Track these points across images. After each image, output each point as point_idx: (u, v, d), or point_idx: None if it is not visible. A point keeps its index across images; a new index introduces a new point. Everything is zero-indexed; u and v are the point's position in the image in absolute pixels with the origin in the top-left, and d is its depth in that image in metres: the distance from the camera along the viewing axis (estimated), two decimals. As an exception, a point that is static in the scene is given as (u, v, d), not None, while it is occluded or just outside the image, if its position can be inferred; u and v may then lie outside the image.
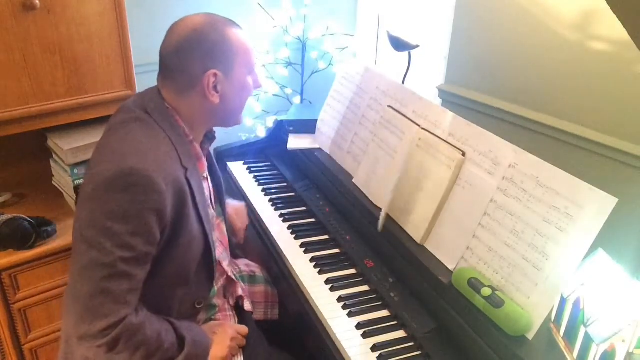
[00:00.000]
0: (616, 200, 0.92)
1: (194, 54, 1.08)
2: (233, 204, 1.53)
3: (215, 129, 1.27)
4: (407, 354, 1.11)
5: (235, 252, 1.50)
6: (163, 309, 1.12)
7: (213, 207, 1.26)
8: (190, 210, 1.08)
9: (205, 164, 1.21)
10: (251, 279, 1.45)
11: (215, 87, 1.10)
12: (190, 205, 1.07)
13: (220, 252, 1.29)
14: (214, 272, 1.20)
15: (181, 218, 1.06)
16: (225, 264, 1.32)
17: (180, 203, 1.05)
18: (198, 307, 1.19)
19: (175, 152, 1.07)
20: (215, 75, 1.09)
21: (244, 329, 1.27)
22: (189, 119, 1.13)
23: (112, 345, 1.00)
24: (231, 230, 1.45)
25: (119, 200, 0.96)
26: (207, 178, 1.23)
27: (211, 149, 1.34)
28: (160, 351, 1.06)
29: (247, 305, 1.36)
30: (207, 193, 1.20)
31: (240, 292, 1.35)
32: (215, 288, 1.27)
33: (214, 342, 1.18)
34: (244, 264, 1.48)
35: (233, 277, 1.36)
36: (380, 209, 1.39)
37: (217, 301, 1.30)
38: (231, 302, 1.34)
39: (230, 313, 1.33)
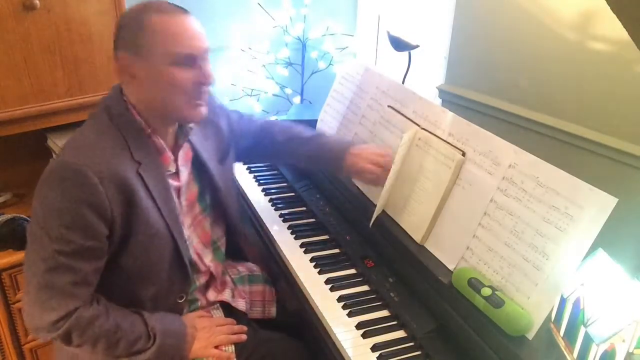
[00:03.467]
0: (616, 200, 0.92)
1: (115, 38, 1.08)
2: (349, 155, 1.39)
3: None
4: (407, 354, 1.11)
5: (238, 253, 1.48)
6: (135, 305, 1.13)
7: (190, 208, 1.23)
8: (145, 205, 1.06)
9: (171, 157, 1.15)
10: (250, 278, 1.44)
11: (125, 70, 1.07)
12: (142, 200, 1.06)
13: (200, 249, 1.27)
14: (187, 269, 1.18)
15: (133, 213, 1.05)
16: (207, 260, 1.29)
17: (127, 198, 1.04)
18: (180, 301, 1.19)
19: (124, 147, 1.06)
20: (123, 58, 1.06)
21: (228, 321, 1.26)
22: (140, 110, 1.09)
23: (65, 337, 1.03)
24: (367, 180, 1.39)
25: (53, 194, 0.99)
26: (177, 172, 1.18)
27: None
28: (124, 342, 1.07)
29: (242, 305, 1.34)
30: (175, 186, 1.16)
31: (226, 296, 1.32)
32: (197, 284, 1.26)
33: (196, 337, 1.18)
34: (243, 267, 1.47)
35: (227, 277, 1.35)
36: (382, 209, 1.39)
37: (198, 295, 1.28)
38: (210, 298, 1.30)
39: (216, 310, 1.31)
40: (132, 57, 1.05)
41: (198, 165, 1.25)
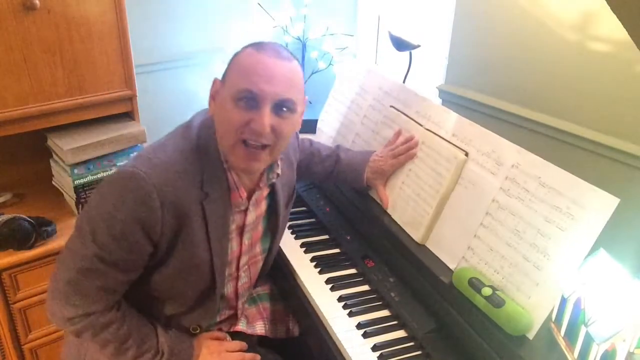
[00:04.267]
0: (618, 200, 0.92)
1: None
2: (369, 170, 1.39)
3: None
4: (407, 354, 1.11)
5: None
6: (148, 316, 1.12)
7: (247, 251, 1.21)
8: (196, 236, 1.04)
9: (242, 196, 1.11)
10: (253, 300, 1.39)
11: (214, 97, 1.06)
12: (195, 231, 1.04)
13: (244, 289, 1.26)
14: (215, 304, 1.16)
15: (181, 240, 1.03)
16: (240, 302, 1.27)
17: (181, 225, 1.02)
18: (193, 332, 1.18)
19: (197, 175, 1.03)
20: (216, 83, 1.06)
21: (238, 346, 1.22)
22: (219, 143, 1.06)
23: (77, 333, 1.04)
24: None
25: (112, 200, 0.97)
26: (246, 210, 1.15)
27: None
28: (133, 351, 1.06)
29: (260, 329, 1.32)
30: (235, 225, 1.14)
31: (240, 326, 1.30)
32: (218, 319, 1.25)
33: (200, 356, 1.15)
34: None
35: (240, 309, 1.31)
36: (382, 208, 1.39)
37: (214, 327, 1.26)
38: (224, 329, 1.28)
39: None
40: (219, 83, 1.05)
41: (271, 210, 1.23)
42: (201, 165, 1.04)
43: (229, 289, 1.21)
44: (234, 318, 1.29)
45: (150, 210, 0.96)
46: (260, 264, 1.29)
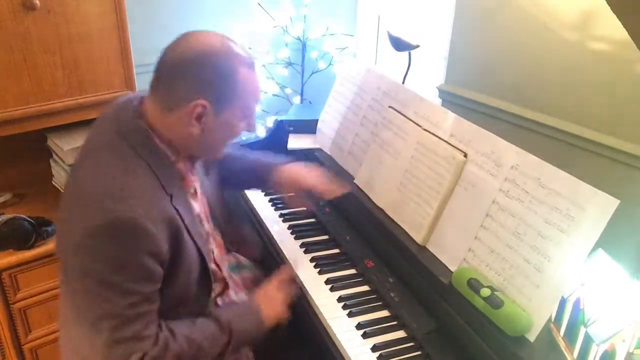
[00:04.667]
0: (618, 201, 0.92)
1: (189, 76, 1.00)
2: (280, 175, 1.43)
3: None
4: (407, 354, 1.11)
5: (226, 247, 1.44)
6: None
7: (207, 221, 1.23)
8: (185, 236, 1.06)
9: (193, 178, 1.15)
10: (237, 267, 1.41)
11: (199, 118, 1.02)
12: (184, 232, 1.05)
13: (219, 259, 1.27)
14: (212, 284, 1.17)
15: (179, 247, 1.04)
16: (224, 269, 1.29)
17: (174, 235, 1.02)
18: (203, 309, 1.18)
19: (155, 180, 1.02)
20: (203, 106, 1.00)
21: (284, 275, 1.28)
22: (167, 141, 1.05)
23: None
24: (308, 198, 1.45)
25: (111, 250, 0.94)
26: (196, 193, 1.18)
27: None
28: (204, 350, 1.07)
29: (243, 297, 1.33)
30: (197, 210, 1.16)
31: (232, 295, 1.30)
32: (214, 294, 1.24)
33: (262, 307, 1.19)
34: (231, 257, 1.44)
35: (228, 278, 1.33)
36: (382, 209, 1.40)
37: (212, 307, 1.25)
38: (219, 303, 1.27)
39: None
40: (211, 105, 1.01)
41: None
42: (149, 166, 1.03)
43: (210, 264, 1.21)
44: (226, 289, 1.29)
45: (150, 237, 0.96)
46: (217, 231, 1.30)
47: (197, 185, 1.19)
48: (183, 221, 1.06)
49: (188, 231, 1.07)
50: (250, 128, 1.12)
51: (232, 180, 1.45)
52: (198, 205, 1.18)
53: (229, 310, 1.18)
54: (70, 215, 1.00)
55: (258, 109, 1.13)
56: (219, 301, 1.28)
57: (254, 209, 1.63)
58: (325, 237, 1.50)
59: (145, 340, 0.99)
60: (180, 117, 1.02)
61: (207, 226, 1.23)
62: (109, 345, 0.97)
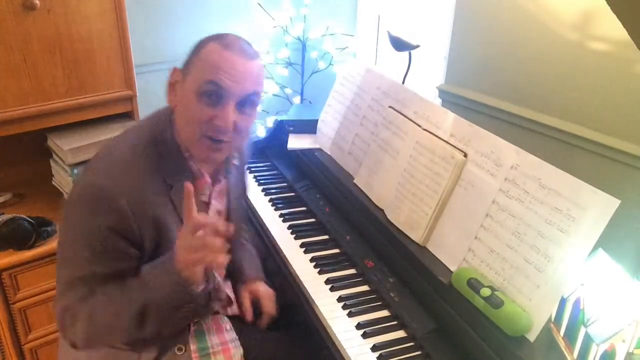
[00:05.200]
0: (618, 202, 0.92)
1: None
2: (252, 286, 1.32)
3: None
4: (407, 354, 1.11)
5: None
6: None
7: None
8: (173, 229, 1.05)
9: (208, 181, 1.13)
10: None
11: (173, 85, 1.06)
12: (171, 224, 1.05)
13: (221, 279, 1.24)
14: (210, 295, 1.13)
15: (162, 237, 1.04)
16: (218, 277, 1.24)
17: (155, 221, 1.02)
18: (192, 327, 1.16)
19: (157, 168, 1.03)
20: (176, 73, 1.06)
21: (198, 220, 0.97)
22: (179, 133, 1.07)
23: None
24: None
25: (83, 218, 0.98)
26: (208, 204, 1.16)
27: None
28: (118, 304, 1.00)
29: (234, 310, 1.31)
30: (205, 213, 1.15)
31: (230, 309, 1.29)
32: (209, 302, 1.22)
33: (176, 255, 0.99)
34: None
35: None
36: (382, 209, 1.39)
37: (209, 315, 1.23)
38: (216, 308, 1.24)
39: (224, 322, 1.24)
40: (180, 73, 1.05)
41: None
42: (159, 159, 1.04)
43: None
44: (223, 298, 1.26)
45: (120, 214, 0.97)
46: None
47: (213, 198, 1.17)
48: (177, 213, 1.05)
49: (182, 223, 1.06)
50: (215, 118, 0.99)
51: None
52: (211, 212, 1.17)
53: (149, 265, 1.03)
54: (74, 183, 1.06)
55: (230, 106, 1.01)
56: (221, 311, 1.26)
57: (254, 209, 1.63)
58: (325, 237, 1.50)
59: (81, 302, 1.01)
60: (167, 94, 1.07)
61: None
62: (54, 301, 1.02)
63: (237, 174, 1.29)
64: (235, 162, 1.20)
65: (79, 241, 0.99)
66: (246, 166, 1.36)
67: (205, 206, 1.17)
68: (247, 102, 1.03)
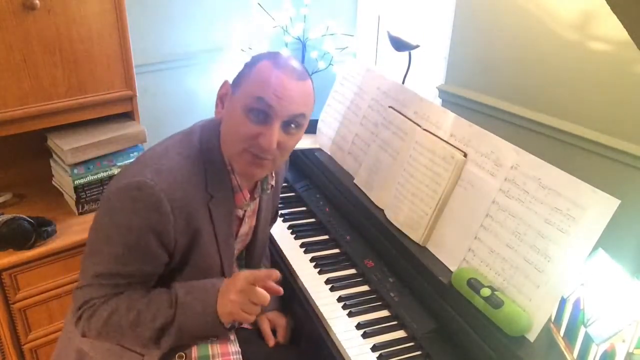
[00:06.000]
0: (618, 202, 0.92)
1: None
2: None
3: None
4: (407, 354, 1.11)
5: None
6: None
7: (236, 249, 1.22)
8: (206, 240, 1.06)
9: (247, 196, 1.13)
10: None
11: (222, 98, 1.07)
12: (205, 234, 1.05)
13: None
14: None
15: (194, 245, 1.04)
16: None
17: (192, 230, 1.03)
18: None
19: (202, 176, 1.04)
20: (226, 86, 1.06)
21: (258, 275, 1.03)
22: (224, 147, 1.08)
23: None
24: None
25: (123, 211, 0.97)
26: (243, 218, 1.18)
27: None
28: (142, 317, 1.01)
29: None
30: (237, 229, 1.16)
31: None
32: None
33: (220, 299, 1.03)
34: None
35: None
36: (382, 209, 1.39)
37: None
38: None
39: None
40: (230, 86, 1.06)
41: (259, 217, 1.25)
42: (204, 168, 1.05)
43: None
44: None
45: (162, 216, 0.97)
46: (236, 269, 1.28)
47: (248, 220, 1.19)
48: (213, 225, 1.05)
49: (216, 238, 1.07)
50: (260, 136, 1.00)
51: None
52: (242, 228, 1.18)
53: (186, 286, 1.05)
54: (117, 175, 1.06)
55: (275, 126, 1.00)
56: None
57: (254, 209, 1.63)
58: (325, 237, 1.50)
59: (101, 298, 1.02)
60: (217, 107, 1.08)
61: (239, 247, 1.22)
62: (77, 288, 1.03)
63: (271, 197, 1.29)
64: (272, 182, 1.18)
65: (114, 237, 0.98)
66: (280, 188, 1.35)
67: (238, 222, 1.17)
68: (292, 123, 1.02)
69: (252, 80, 1.01)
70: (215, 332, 1.05)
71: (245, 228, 1.21)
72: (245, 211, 1.18)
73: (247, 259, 1.30)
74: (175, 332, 1.01)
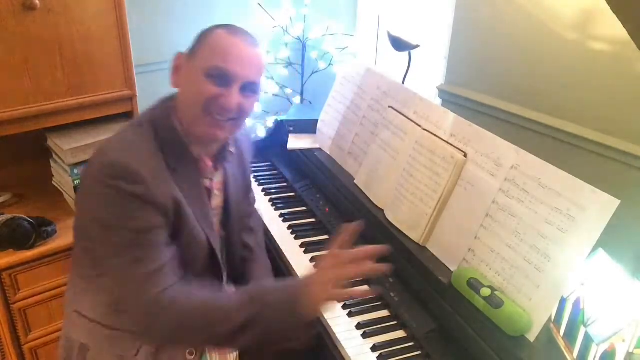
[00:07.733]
0: (618, 202, 0.92)
1: None
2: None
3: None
4: (407, 354, 1.11)
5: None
6: None
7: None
8: (186, 210, 1.06)
9: (209, 164, 1.14)
10: None
11: (177, 70, 1.10)
12: (184, 205, 1.06)
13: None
14: (221, 269, 1.17)
15: (179, 214, 1.05)
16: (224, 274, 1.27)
17: (171, 196, 1.03)
18: None
19: (160, 153, 1.05)
20: (179, 58, 1.09)
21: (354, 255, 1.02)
22: (181, 119, 1.10)
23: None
24: None
25: (108, 192, 0.97)
26: (212, 190, 1.18)
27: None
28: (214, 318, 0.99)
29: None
30: (208, 201, 1.16)
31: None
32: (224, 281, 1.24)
33: (303, 291, 0.99)
34: None
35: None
36: (381, 209, 1.39)
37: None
38: None
39: None
40: (185, 56, 1.09)
41: (225, 206, 1.24)
42: (160, 145, 1.06)
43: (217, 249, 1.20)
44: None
45: (146, 185, 0.98)
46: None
47: (218, 193, 1.19)
48: (185, 197, 1.06)
49: (192, 208, 1.08)
50: (222, 98, 1.04)
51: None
52: (214, 201, 1.19)
53: (261, 285, 1.07)
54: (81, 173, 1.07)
55: (235, 88, 1.06)
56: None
57: (254, 209, 1.63)
58: (325, 237, 1.50)
59: (168, 276, 0.99)
60: (172, 77, 1.12)
61: (215, 221, 1.21)
62: (142, 282, 0.98)
63: (238, 169, 1.29)
64: (232, 149, 1.21)
65: (114, 228, 0.98)
66: (249, 162, 1.35)
67: (208, 193, 1.18)
68: (248, 87, 1.08)
69: (209, 49, 1.06)
70: (298, 322, 0.99)
71: (217, 201, 1.21)
72: (212, 181, 1.18)
73: (227, 237, 1.28)
74: (258, 327, 0.97)
